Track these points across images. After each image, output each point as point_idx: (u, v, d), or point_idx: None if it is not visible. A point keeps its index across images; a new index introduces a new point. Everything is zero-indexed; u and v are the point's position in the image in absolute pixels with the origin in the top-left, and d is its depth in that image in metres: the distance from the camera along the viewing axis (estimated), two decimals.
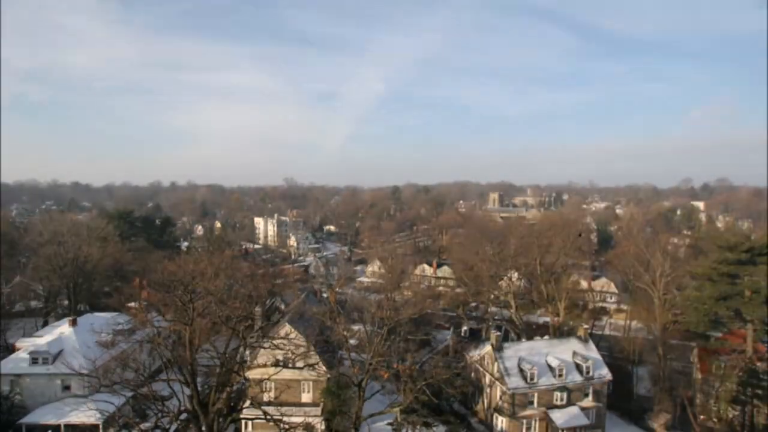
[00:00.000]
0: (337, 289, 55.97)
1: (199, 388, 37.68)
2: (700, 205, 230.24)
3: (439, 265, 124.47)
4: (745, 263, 52.68)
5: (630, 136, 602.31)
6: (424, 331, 72.82)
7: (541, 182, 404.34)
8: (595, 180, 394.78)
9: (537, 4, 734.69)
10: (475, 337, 68.27)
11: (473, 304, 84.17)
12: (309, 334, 46.61)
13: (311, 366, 41.64)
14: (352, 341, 53.50)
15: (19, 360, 47.28)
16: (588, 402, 49.01)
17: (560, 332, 69.09)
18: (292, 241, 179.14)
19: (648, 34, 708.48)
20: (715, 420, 47.09)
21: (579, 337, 53.88)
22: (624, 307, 79.24)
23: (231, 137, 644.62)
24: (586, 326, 56.93)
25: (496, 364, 49.03)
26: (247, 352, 44.66)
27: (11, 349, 57.24)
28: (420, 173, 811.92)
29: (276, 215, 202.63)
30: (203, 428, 33.91)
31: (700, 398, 53.34)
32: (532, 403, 47.56)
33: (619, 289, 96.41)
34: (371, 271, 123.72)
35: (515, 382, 47.11)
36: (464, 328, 73.63)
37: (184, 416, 35.57)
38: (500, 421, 48.09)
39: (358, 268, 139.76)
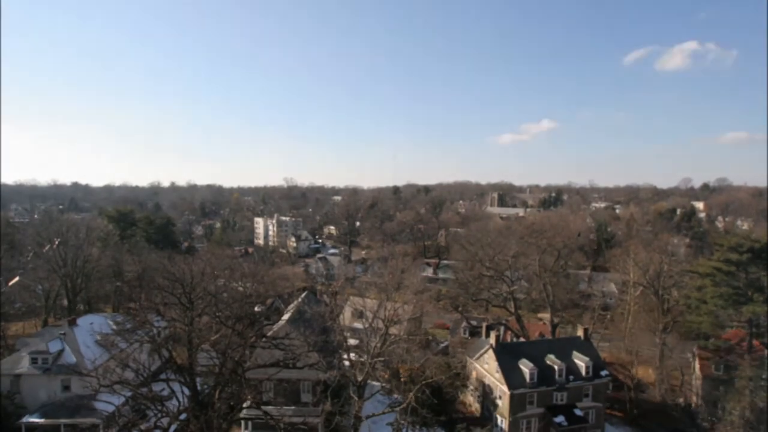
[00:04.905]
0: (336, 290, 55.89)
1: (199, 388, 37.70)
2: (700, 205, 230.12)
3: (439, 265, 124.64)
4: (747, 263, 52.69)
5: (629, 137, 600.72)
6: (424, 331, 72.96)
7: (541, 182, 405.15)
8: (595, 180, 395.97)
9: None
10: (475, 337, 68.25)
11: (473, 304, 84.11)
12: (309, 334, 46.57)
13: (311, 366, 41.60)
14: (352, 341, 53.52)
15: (19, 360, 47.26)
16: (588, 402, 49.02)
17: (560, 332, 69.19)
18: (292, 241, 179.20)
19: (646, 33, 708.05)
20: (715, 419, 47.05)
21: (579, 338, 53.88)
22: (624, 307, 79.17)
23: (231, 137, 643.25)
24: (585, 326, 56.86)
25: (495, 364, 49.01)
26: (247, 352, 44.59)
27: (11, 349, 57.37)
28: (420, 173, 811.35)
29: (276, 215, 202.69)
30: (203, 428, 33.86)
31: (700, 398, 53.43)
32: (531, 403, 47.51)
33: (619, 289, 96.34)
34: (371, 271, 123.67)
35: (515, 382, 47.08)
36: (464, 327, 73.68)
37: (184, 416, 35.55)
38: (500, 422, 48.09)
39: (358, 268, 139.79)
